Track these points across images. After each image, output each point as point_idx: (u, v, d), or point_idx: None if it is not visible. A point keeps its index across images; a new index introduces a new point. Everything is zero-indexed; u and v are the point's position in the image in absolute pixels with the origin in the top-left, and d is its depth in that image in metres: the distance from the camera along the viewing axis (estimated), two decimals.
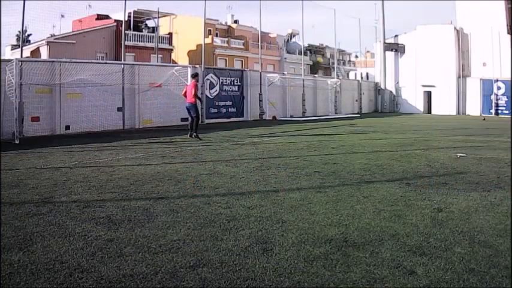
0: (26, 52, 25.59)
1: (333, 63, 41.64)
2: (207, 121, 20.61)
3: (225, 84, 22.13)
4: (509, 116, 26.63)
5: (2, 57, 16.43)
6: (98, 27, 30.58)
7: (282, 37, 46.98)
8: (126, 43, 24.88)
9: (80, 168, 7.65)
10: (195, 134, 12.68)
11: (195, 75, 13.33)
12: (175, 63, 31.64)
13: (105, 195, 5.50)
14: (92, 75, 15.49)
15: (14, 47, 29.27)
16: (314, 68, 46.69)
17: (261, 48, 27.14)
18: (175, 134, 14.41)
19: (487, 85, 32.48)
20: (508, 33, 31.77)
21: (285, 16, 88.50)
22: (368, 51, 51.06)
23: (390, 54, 36.68)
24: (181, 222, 4.30)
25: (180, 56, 36.84)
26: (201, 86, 20.67)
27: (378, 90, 37.58)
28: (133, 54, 29.94)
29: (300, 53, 37.26)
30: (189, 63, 26.31)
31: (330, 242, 3.74)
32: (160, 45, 32.51)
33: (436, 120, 25.53)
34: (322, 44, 51.77)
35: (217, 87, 21.68)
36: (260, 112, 24.15)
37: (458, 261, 3.30)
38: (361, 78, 45.28)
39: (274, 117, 24.49)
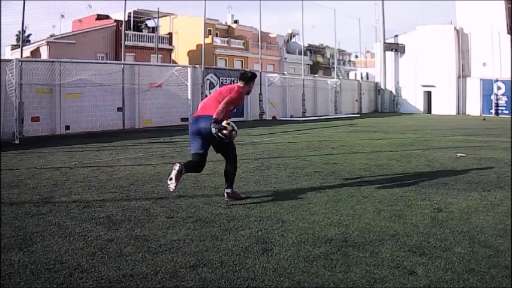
0: (26, 52, 25.59)
1: (333, 63, 41.63)
2: None
3: (225, 84, 22.11)
4: (509, 116, 26.63)
5: (2, 57, 16.44)
6: (98, 27, 30.58)
7: (282, 37, 46.96)
8: (126, 43, 24.88)
9: (80, 168, 7.65)
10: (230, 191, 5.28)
11: (252, 78, 5.59)
12: (175, 63, 31.64)
13: (105, 195, 5.50)
14: (92, 75, 15.50)
15: (14, 47, 29.26)
16: (314, 68, 46.67)
17: (261, 48, 27.15)
18: (175, 134, 14.42)
19: (487, 85, 32.47)
20: (508, 33, 31.76)
21: (285, 16, 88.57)
22: (368, 51, 51.04)
23: (390, 54, 36.66)
24: (181, 222, 4.30)
25: (180, 56, 36.84)
26: (201, 86, 20.73)
27: (378, 90, 37.57)
28: (134, 54, 29.95)
29: (300, 53, 37.25)
30: (189, 63, 26.31)
31: (330, 242, 3.74)
32: (160, 45, 32.51)
33: (436, 120, 25.52)
34: (322, 44, 51.74)
35: (217, 87, 21.67)
36: (260, 112, 24.14)
37: (458, 261, 3.30)
38: (361, 78, 45.27)
39: (274, 117, 24.50)
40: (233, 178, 5.32)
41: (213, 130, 4.90)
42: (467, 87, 33.66)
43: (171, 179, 4.84)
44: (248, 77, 5.53)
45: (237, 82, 5.57)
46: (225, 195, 5.23)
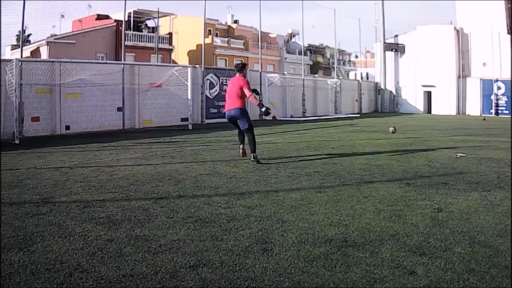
0: (26, 52, 25.60)
1: (333, 63, 41.63)
2: (207, 121, 20.64)
3: (225, 84, 22.07)
4: (509, 116, 26.63)
5: (2, 57, 16.45)
6: (98, 27, 30.59)
7: (282, 37, 46.99)
8: (126, 43, 24.89)
9: (80, 168, 7.65)
10: (253, 155, 8.17)
11: (242, 67, 8.47)
12: (175, 63, 31.65)
13: (105, 195, 5.50)
14: (92, 75, 15.50)
15: (14, 47, 29.29)
16: (314, 68, 46.68)
17: (261, 48, 27.14)
18: (175, 134, 14.42)
19: (487, 85, 32.49)
20: (508, 33, 31.76)
21: (285, 16, 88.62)
22: (368, 51, 51.08)
23: (390, 54, 36.67)
24: (181, 222, 4.30)
25: (180, 56, 36.84)
26: (201, 86, 20.73)
27: (378, 90, 37.58)
28: (134, 54, 29.97)
29: (300, 53, 37.25)
30: (189, 63, 26.31)
31: (330, 242, 3.74)
32: (160, 45, 32.52)
33: (436, 120, 25.52)
34: (322, 44, 51.77)
35: (217, 87, 21.69)
36: (260, 112, 24.13)
37: (458, 261, 3.30)
38: (361, 78, 45.28)
39: (274, 117, 24.49)
40: (253, 146, 8.12)
41: (263, 109, 8.38)
42: (467, 87, 33.67)
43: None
44: (240, 67, 8.40)
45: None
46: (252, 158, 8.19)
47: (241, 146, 8.72)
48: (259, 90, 23.90)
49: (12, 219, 4.36)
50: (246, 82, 8.20)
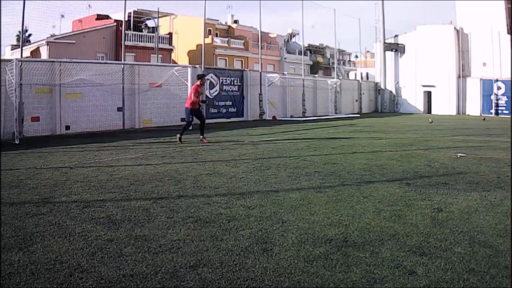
0: (26, 52, 25.60)
1: (333, 63, 41.62)
2: (207, 121, 20.60)
3: (225, 84, 22.13)
4: (509, 116, 26.63)
5: (2, 57, 16.45)
6: (98, 27, 30.59)
7: (282, 37, 46.98)
8: (126, 43, 24.89)
9: (80, 168, 7.65)
10: (178, 136, 11.75)
11: (201, 76, 12.50)
12: (175, 63, 31.65)
13: (105, 195, 5.50)
14: (92, 75, 15.50)
15: (14, 47, 29.29)
16: (314, 68, 46.67)
17: (261, 48, 27.13)
18: (175, 134, 14.39)
19: (487, 85, 32.48)
20: (508, 33, 31.75)
21: (285, 16, 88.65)
22: (368, 51, 51.08)
23: (390, 54, 36.66)
24: (181, 222, 4.30)
25: (180, 56, 36.85)
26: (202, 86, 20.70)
27: (378, 90, 37.57)
28: (134, 54, 29.96)
29: (300, 53, 37.26)
30: (189, 63, 26.31)
31: (330, 242, 3.74)
32: (160, 45, 32.52)
33: (436, 120, 25.51)
34: (322, 44, 51.75)
35: (217, 87, 21.68)
36: (260, 112, 24.15)
37: (458, 261, 3.30)
38: (361, 78, 45.29)
39: (274, 117, 24.50)
40: (181, 130, 11.77)
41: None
42: (467, 87, 33.66)
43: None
44: (199, 77, 12.37)
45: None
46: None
47: (201, 136, 12.06)
48: (259, 91, 24.11)
49: (12, 219, 4.36)
50: (194, 87, 11.98)
